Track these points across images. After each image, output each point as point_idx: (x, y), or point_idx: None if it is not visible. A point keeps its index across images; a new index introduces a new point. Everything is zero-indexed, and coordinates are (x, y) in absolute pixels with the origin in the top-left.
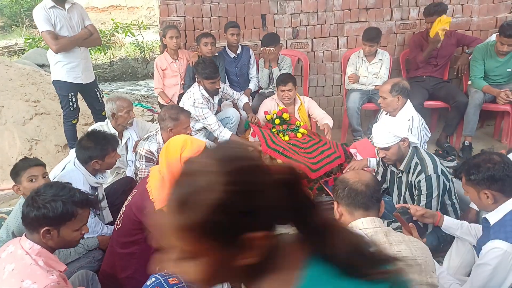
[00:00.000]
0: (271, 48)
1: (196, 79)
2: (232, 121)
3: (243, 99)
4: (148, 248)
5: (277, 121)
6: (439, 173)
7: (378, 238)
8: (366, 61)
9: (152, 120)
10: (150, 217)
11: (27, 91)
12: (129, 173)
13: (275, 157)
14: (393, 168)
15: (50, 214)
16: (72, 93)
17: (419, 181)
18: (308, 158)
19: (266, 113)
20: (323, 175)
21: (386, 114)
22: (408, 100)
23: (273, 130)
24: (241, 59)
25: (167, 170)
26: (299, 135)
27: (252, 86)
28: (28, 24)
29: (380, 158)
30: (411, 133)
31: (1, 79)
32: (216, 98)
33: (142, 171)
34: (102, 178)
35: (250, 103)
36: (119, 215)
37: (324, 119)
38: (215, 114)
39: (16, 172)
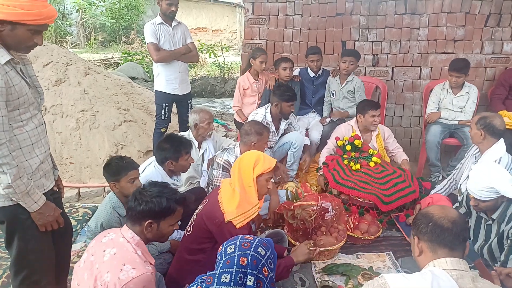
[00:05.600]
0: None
1: (271, 102)
2: (294, 146)
3: (305, 141)
4: (214, 258)
5: (348, 147)
6: None
7: (464, 282)
8: (451, 93)
9: (225, 136)
10: (219, 227)
11: (119, 100)
12: (203, 183)
13: (344, 192)
14: (482, 214)
15: (156, 208)
16: (166, 104)
17: None
18: (381, 189)
19: (337, 139)
20: (395, 209)
21: (476, 153)
22: (502, 141)
23: (344, 156)
24: (320, 78)
25: (239, 183)
26: (371, 163)
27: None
28: (125, 41)
29: (465, 200)
30: None
31: (99, 87)
32: (282, 125)
33: (217, 179)
34: (177, 180)
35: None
36: (190, 222)
37: (401, 153)
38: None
39: (117, 171)
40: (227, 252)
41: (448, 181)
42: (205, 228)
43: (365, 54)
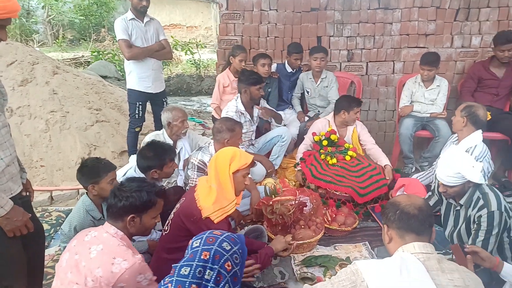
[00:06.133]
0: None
1: (239, 90)
2: (283, 139)
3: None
4: None
5: (325, 143)
6: (503, 209)
7: (430, 264)
8: (423, 86)
9: (203, 134)
10: (197, 223)
11: (91, 99)
12: (180, 182)
13: (321, 186)
14: (452, 201)
15: (137, 203)
16: (140, 102)
17: (480, 216)
18: (357, 182)
19: (314, 134)
20: (370, 200)
21: (455, 140)
22: (480, 131)
23: (321, 151)
24: (297, 74)
25: (215, 180)
26: (347, 157)
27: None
28: (95, 38)
29: (436, 188)
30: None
31: (69, 87)
32: (256, 111)
33: (192, 180)
34: None
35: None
36: (167, 221)
37: (379, 153)
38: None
39: (96, 172)
40: (193, 246)
41: (428, 170)
42: (182, 226)
43: (340, 50)
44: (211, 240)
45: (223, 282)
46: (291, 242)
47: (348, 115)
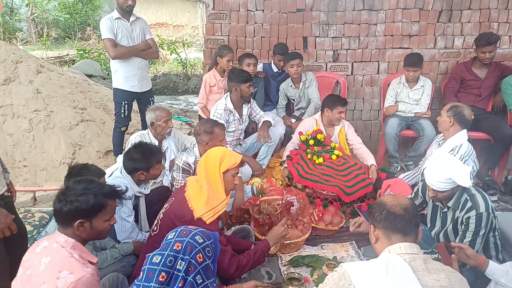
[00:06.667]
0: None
1: (229, 88)
2: (271, 139)
3: (265, 118)
4: None
5: (311, 142)
6: (490, 210)
7: (416, 264)
8: (407, 86)
9: (190, 133)
10: (190, 224)
11: (76, 98)
12: (166, 182)
13: (308, 186)
14: (438, 203)
15: (83, 207)
16: (126, 102)
17: (469, 217)
18: (343, 181)
19: (300, 133)
20: (357, 199)
21: (440, 139)
22: (465, 130)
23: (307, 151)
24: (283, 74)
25: (206, 180)
26: (333, 157)
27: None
28: (80, 37)
29: (421, 190)
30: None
31: (53, 85)
32: (245, 110)
33: (178, 181)
34: (145, 188)
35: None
36: (156, 222)
37: (367, 154)
38: (248, 132)
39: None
40: (167, 238)
41: (415, 170)
42: (173, 227)
43: (325, 50)
44: (184, 233)
45: (193, 273)
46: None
47: (331, 113)
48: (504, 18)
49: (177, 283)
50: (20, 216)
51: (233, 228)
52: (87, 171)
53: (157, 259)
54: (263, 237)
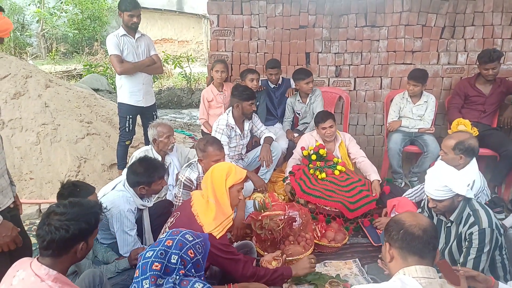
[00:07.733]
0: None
1: (231, 104)
2: (273, 154)
3: (267, 134)
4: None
5: (313, 157)
6: (494, 227)
7: None
8: (411, 102)
9: (193, 147)
10: None
11: (82, 112)
12: (169, 196)
13: (311, 201)
14: (442, 217)
15: (85, 227)
16: (131, 116)
17: (471, 233)
18: (346, 197)
19: (303, 148)
20: (360, 215)
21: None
22: (474, 159)
23: (310, 166)
24: (281, 89)
25: (212, 195)
26: (336, 172)
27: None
28: (88, 52)
29: (426, 204)
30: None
31: (61, 100)
32: (246, 125)
33: (179, 198)
34: (148, 201)
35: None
36: (161, 235)
37: (370, 168)
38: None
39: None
40: (159, 237)
41: (419, 187)
42: None
43: (328, 65)
44: (175, 232)
45: (188, 266)
46: (278, 256)
47: (318, 130)
48: (508, 34)
49: (175, 274)
50: (25, 228)
51: (235, 244)
52: (75, 192)
53: (149, 253)
54: (265, 253)
